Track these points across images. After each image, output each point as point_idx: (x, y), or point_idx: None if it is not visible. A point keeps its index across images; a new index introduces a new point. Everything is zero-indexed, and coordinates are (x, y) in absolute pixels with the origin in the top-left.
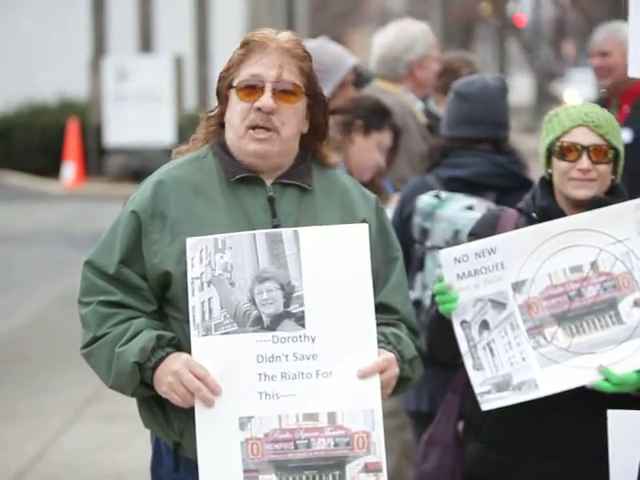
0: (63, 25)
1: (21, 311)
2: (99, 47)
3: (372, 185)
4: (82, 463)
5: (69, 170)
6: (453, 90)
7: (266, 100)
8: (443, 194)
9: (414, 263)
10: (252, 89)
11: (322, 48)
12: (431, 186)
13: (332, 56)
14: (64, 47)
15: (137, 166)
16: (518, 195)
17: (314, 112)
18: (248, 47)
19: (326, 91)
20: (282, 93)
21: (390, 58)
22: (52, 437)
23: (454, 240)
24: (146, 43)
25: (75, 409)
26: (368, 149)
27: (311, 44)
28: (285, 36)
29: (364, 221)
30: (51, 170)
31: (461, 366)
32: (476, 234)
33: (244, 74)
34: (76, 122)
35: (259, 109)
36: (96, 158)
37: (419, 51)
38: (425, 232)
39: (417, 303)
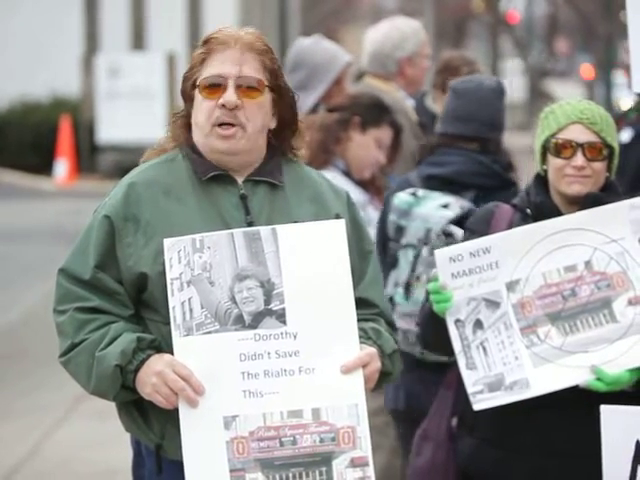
0: (56, 23)
1: (14, 308)
2: (92, 44)
3: (372, 183)
4: (76, 460)
5: (61, 167)
6: (450, 87)
7: (229, 96)
8: (420, 192)
9: (388, 260)
10: (215, 87)
11: (316, 46)
12: (413, 184)
13: (326, 53)
14: (57, 44)
15: (129, 163)
16: (498, 195)
17: (281, 107)
18: (209, 46)
19: (321, 88)
20: (245, 89)
21: (380, 55)
22: (46, 434)
23: (426, 238)
24: (138, 41)
25: (69, 406)
26: (366, 146)
27: (305, 42)
28: (245, 32)
29: (337, 215)
30: (43, 167)
31: (454, 364)
32: (471, 229)
33: (206, 73)
34: (68, 119)
35: (223, 106)
36: (88, 155)
37: (409, 48)
38: (401, 230)
39: (389, 300)
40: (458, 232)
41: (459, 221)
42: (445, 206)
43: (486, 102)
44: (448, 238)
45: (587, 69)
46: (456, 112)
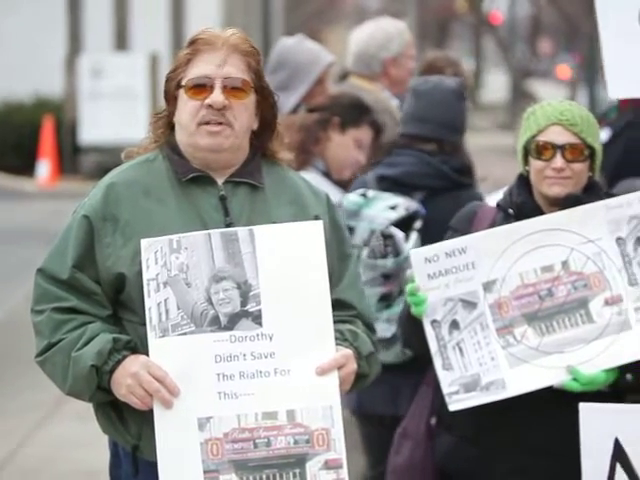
0: (39, 23)
1: None
2: (74, 45)
3: (352, 183)
4: (57, 460)
5: (44, 168)
6: (410, 87)
7: (217, 97)
8: (370, 193)
9: None
10: (201, 87)
11: (299, 46)
12: (368, 184)
13: (309, 54)
14: (39, 45)
15: (112, 164)
16: (449, 196)
17: (263, 108)
18: (195, 46)
19: (303, 88)
20: (232, 90)
21: (365, 55)
22: (28, 434)
23: (370, 239)
24: (121, 41)
25: (51, 406)
26: (345, 146)
27: (288, 42)
28: (231, 33)
29: (317, 217)
30: (26, 168)
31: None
32: (454, 228)
33: (192, 73)
34: (51, 120)
35: (210, 106)
36: (71, 156)
37: (394, 49)
38: (351, 230)
39: None
40: (399, 234)
41: (403, 223)
42: (393, 207)
43: (444, 103)
44: (387, 240)
45: (563, 70)
46: (414, 112)
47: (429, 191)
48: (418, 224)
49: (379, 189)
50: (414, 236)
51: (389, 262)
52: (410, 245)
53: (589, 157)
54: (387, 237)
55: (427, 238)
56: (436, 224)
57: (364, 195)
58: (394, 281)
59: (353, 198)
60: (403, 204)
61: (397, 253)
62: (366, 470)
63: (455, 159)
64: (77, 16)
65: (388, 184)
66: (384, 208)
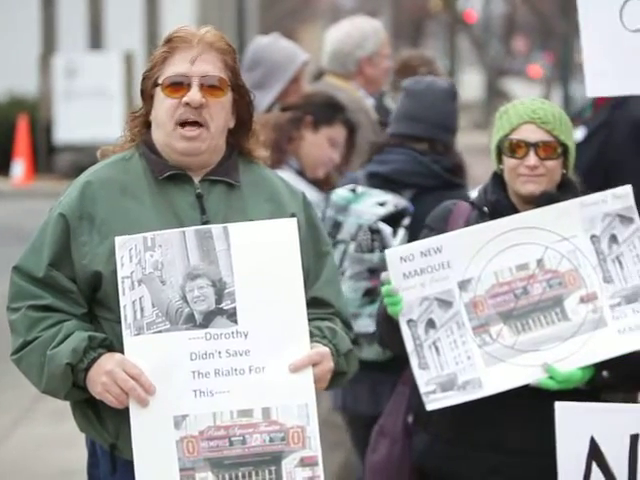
0: (13, 21)
1: None
2: (49, 44)
3: (326, 182)
4: (33, 459)
5: (18, 167)
6: (403, 87)
7: (194, 95)
8: (360, 189)
9: None
10: (178, 86)
11: (274, 44)
12: (357, 181)
13: (284, 52)
14: (14, 44)
15: (87, 163)
16: (438, 194)
17: (239, 106)
18: (171, 44)
19: (278, 87)
20: (209, 88)
21: (340, 54)
22: (2, 433)
23: (357, 234)
24: (96, 40)
25: (25, 406)
26: (319, 145)
27: (263, 40)
28: (207, 31)
29: (293, 215)
30: (0, 167)
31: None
32: (429, 226)
33: (169, 71)
34: (26, 119)
35: (187, 104)
36: (46, 155)
37: (369, 48)
38: (338, 225)
39: None
40: (386, 229)
41: (391, 219)
42: (382, 204)
43: (437, 103)
44: (374, 234)
45: (535, 68)
46: (407, 112)
47: (419, 189)
48: (406, 221)
49: (369, 186)
50: (401, 233)
51: (375, 257)
52: (397, 242)
53: (562, 155)
54: (375, 232)
55: (415, 236)
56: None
57: (353, 191)
58: (379, 276)
59: (342, 193)
60: (392, 201)
61: (384, 248)
62: (357, 468)
63: (447, 159)
64: (51, 15)
65: (378, 181)
66: (373, 204)
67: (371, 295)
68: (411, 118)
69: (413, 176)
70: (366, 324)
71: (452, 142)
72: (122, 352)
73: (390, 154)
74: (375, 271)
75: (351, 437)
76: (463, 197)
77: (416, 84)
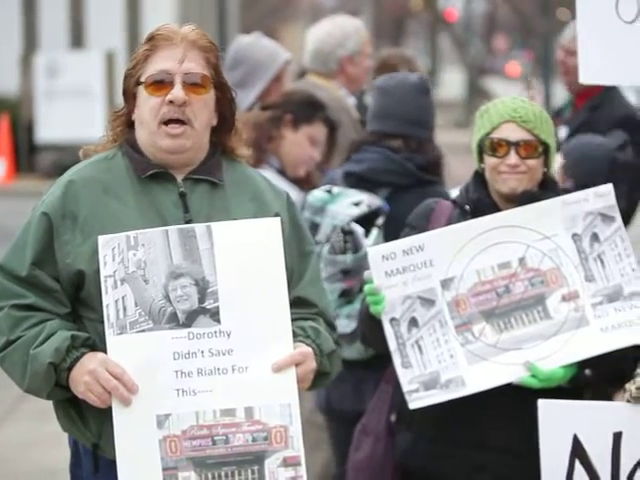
0: None
1: None
2: (30, 43)
3: (307, 181)
4: (16, 458)
5: (0, 167)
6: (375, 85)
7: (177, 92)
8: (335, 189)
9: None
10: (161, 84)
11: (256, 43)
12: (336, 181)
13: (266, 51)
14: None
15: (68, 163)
16: (414, 192)
17: (222, 104)
18: (153, 42)
19: (260, 86)
20: (192, 85)
21: (322, 53)
22: None
23: (332, 235)
24: (77, 39)
25: (9, 405)
26: (299, 143)
27: (245, 39)
28: (190, 29)
29: (277, 214)
30: None
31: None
32: (411, 225)
33: (152, 69)
34: (7, 118)
35: (171, 102)
36: (27, 155)
37: (351, 47)
38: (316, 227)
39: None
40: (359, 230)
41: (365, 219)
42: (357, 204)
43: (407, 98)
44: (347, 235)
45: (513, 67)
46: (379, 109)
47: (394, 188)
48: (380, 221)
49: (346, 185)
50: (375, 232)
51: (348, 258)
52: (370, 241)
53: (543, 153)
54: (347, 233)
55: (392, 235)
56: (401, 221)
57: (329, 191)
58: (354, 277)
59: (318, 194)
60: (366, 200)
61: (356, 249)
62: (333, 468)
63: (420, 156)
64: (32, 14)
65: (354, 180)
66: (347, 204)
67: (347, 296)
68: (383, 115)
69: (387, 174)
70: (344, 324)
71: (427, 138)
72: (105, 351)
73: (366, 152)
74: (349, 272)
75: (331, 435)
76: (442, 195)
77: (387, 80)
